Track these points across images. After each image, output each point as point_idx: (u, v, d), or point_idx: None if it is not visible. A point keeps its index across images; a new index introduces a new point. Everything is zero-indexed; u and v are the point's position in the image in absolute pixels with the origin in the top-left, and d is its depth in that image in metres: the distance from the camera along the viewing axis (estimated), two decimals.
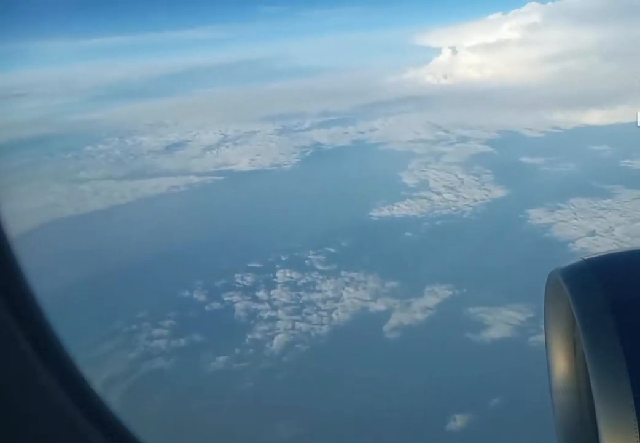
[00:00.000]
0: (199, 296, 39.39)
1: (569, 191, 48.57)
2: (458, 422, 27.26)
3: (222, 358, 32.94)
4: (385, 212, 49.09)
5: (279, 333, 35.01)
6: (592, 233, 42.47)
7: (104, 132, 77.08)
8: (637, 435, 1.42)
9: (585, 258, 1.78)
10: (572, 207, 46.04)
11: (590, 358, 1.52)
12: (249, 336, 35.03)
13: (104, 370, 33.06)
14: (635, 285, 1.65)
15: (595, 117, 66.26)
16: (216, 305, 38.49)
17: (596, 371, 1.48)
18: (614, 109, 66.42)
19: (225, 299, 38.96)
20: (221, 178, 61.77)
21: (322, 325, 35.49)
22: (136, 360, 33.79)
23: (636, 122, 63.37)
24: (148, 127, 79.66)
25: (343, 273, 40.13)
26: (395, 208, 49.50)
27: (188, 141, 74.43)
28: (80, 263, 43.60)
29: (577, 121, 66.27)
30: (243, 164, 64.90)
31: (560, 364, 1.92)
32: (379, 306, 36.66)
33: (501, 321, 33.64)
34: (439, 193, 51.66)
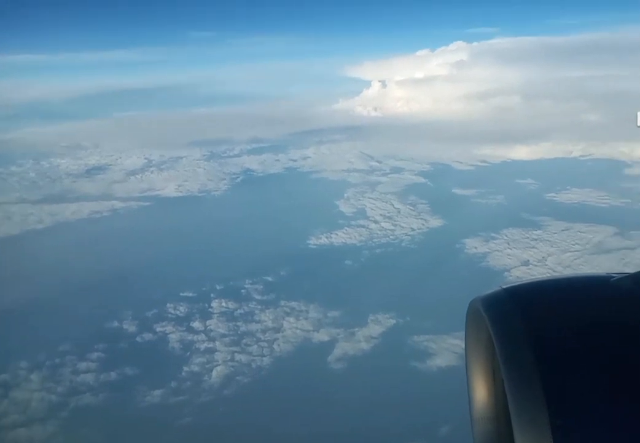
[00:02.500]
0: (129, 327, 37.13)
1: (501, 222, 50.00)
2: None
3: (157, 392, 30.97)
4: (324, 240, 48.55)
5: (218, 365, 33.41)
6: (526, 263, 43.59)
7: (16, 153, 72.86)
8: None
9: (504, 286, 1.78)
10: (506, 237, 47.31)
11: (509, 387, 1.53)
12: (185, 368, 33.19)
13: (26, 408, 30.56)
14: (553, 314, 1.67)
15: (520, 152, 69.25)
16: (148, 336, 36.33)
17: (514, 400, 1.51)
18: (538, 145, 69.69)
19: (158, 330, 36.90)
20: (147, 203, 59.38)
21: (264, 356, 34.09)
22: (62, 395, 31.14)
23: (558, 157, 66.93)
24: (65, 149, 76.24)
25: (283, 302, 39.04)
26: (333, 236, 49.11)
27: (109, 164, 71.59)
28: None
29: (503, 155, 69.01)
30: (170, 190, 62.81)
31: (480, 392, 1.94)
32: (322, 336, 35.71)
33: (446, 350, 33.51)
34: (376, 222, 51.78)
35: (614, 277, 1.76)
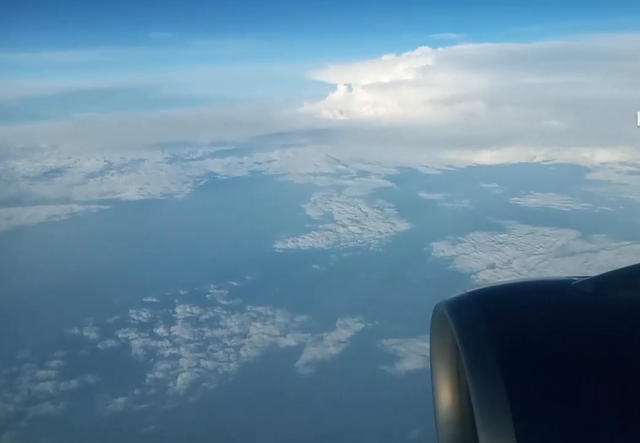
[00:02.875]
0: (90, 334, 36.15)
1: (467, 225, 50.39)
2: None
3: (120, 400, 30.19)
4: (290, 244, 48.08)
5: (183, 371, 32.69)
6: (493, 266, 43.98)
7: None
8: None
9: (468, 290, 1.82)
10: (472, 240, 47.66)
11: (473, 390, 1.54)
12: (149, 375, 32.44)
13: None
14: (516, 318, 1.70)
15: (485, 157, 70.08)
16: (110, 343, 35.40)
17: (479, 403, 1.53)
18: (502, 150, 70.59)
19: (120, 336, 35.99)
20: (107, 207, 58.03)
21: (230, 362, 33.50)
22: (21, 405, 30.06)
23: (522, 162, 67.95)
24: (22, 151, 73.96)
25: (249, 307, 38.52)
26: (300, 240, 48.67)
27: (68, 167, 69.75)
28: None
29: (469, 160, 69.71)
30: (131, 193, 61.50)
31: (445, 396, 1.95)
32: (289, 341, 35.27)
33: (415, 353, 33.43)
34: (344, 226, 51.57)
35: (575, 281, 1.77)
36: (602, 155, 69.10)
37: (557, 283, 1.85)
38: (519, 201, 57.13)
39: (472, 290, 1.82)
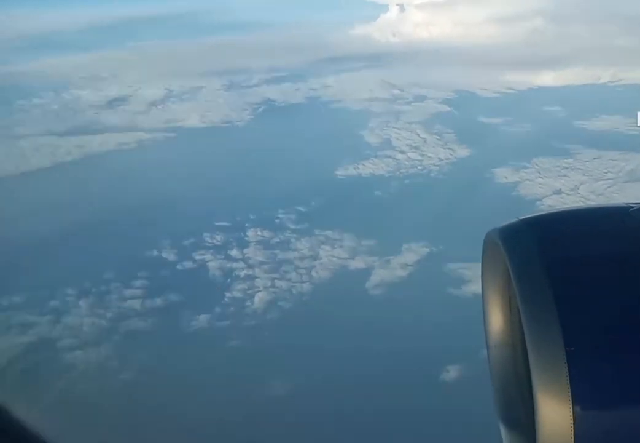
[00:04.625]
0: (169, 256, 38.04)
1: (530, 150, 49.59)
2: (451, 372, 27.67)
3: (203, 317, 32.12)
4: (352, 171, 48.62)
5: (259, 291, 34.37)
6: (559, 191, 43.65)
7: (36, 85, 71.93)
8: (569, 386, 1.48)
9: (521, 217, 1.84)
10: (536, 166, 47.05)
11: (524, 314, 1.57)
12: (227, 294, 34.25)
13: (79, 332, 31.75)
14: (569, 244, 1.71)
15: (547, 78, 67.64)
16: (188, 264, 37.32)
17: (530, 327, 1.54)
18: (565, 71, 67.97)
19: (197, 258, 37.82)
20: (172, 134, 59.25)
21: (303, 282, 35.05)
22: (112, 321, 32.40)
23: (587, 83, 65.45)
24: (84, 81, 74.98)
25: (317, 231, 39.65)
26: (360, 166, 49.09)
27: (130, 96, 70.68)
28: (31, 223, 41.06)
29: (529, 82, 67.39)
30: (193, 121, 62.46)
31: (496, 319, 2.01)
32: (358, 263, 36.50)
33: (480, 277, 34.10)
34: (403, 152, 51.54)
35: (632, 207, 1.78)
36: None
37: (613, 210, 1.84)
38: (584, 124, 55.64)
39: (525, 217, 1.84)
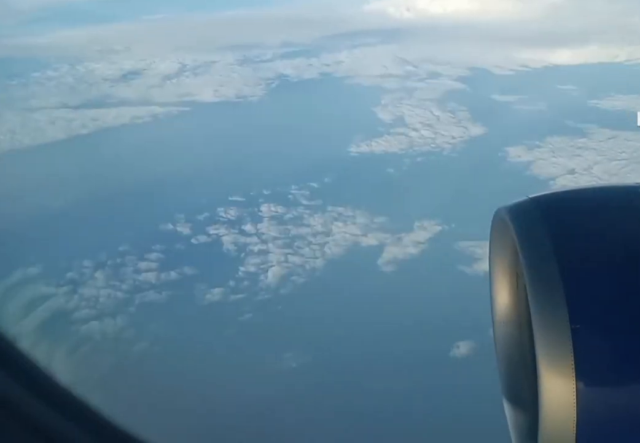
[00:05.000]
0: (183, 230, 38.58)
1: (544, 129, 49.38)
2: (461, 348, 28.14)
3: (217, 290, 32.77)
4: (364, 148, 48.68)
5: (273, 265, 34.95)
6: (572, 171, 43.61)
7: (50, 58, 71.89)
8: (573, 363, 1.50)
9: (531, 196, 1.86)
10: (550, 145, 46.92)
11: (531, 292, 1.61)
12: (241, 268, 34.85)
13: (96, 303, 32.41)
14: (577, 223, 1.74)
15: (562, 56, 66.82)
16: (203, 238, 37.87)
17: (536, 304, 1.57)
18: (581, 49, 67.13)
19: (212, 232, 38.35)
20: (186, 108, 59.34)
21: (316, 258, 35.55)
22: (128, 292, 33.09)
23: (602, 62, 64.57)
24: (98, 53, 74.81)
25: (330, 208, 40.01)
26: (373, 144, 49.12)
27: (144, 69, 70.56)
28: (47, 196, 41.61)
29: (544, 59, 66.64)
30: (207, 95, 62.40)
31: (503, 297, 2.04)
32: (370, 240, 36.92)
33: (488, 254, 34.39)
34: (416, 130, 51.44)
35: None
36: None
37: (623, 189, 1.88)
38: (598, 103, 55.03)
39: (535, 195, 1.87)
